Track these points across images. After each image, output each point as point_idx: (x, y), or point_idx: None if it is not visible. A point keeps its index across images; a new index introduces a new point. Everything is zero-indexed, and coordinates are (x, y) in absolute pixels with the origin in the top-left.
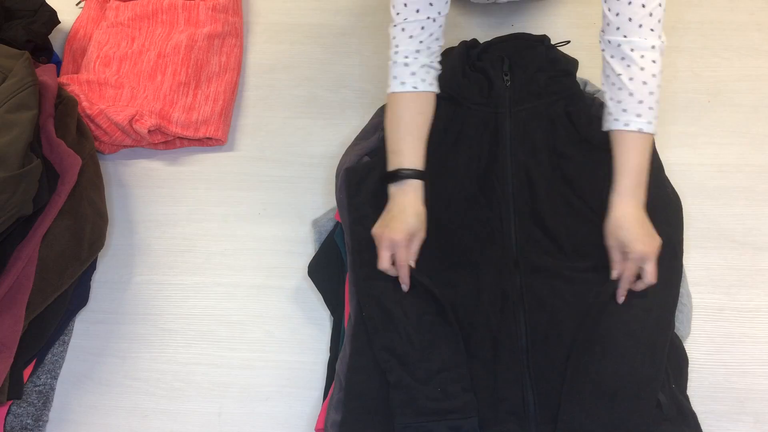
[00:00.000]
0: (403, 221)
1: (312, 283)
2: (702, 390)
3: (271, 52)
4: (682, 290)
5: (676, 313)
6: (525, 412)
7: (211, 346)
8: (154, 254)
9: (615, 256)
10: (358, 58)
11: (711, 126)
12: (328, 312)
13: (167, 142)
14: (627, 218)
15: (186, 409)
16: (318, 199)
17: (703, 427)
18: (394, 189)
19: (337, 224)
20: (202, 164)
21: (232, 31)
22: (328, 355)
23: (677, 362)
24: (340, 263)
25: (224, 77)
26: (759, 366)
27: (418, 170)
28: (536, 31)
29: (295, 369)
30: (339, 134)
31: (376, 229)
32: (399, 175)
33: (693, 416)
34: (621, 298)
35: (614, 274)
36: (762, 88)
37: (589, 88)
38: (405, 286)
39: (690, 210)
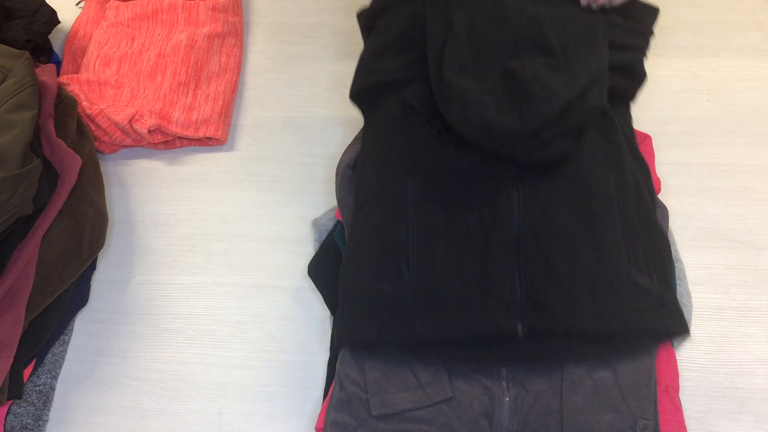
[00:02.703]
0: None
1: (312, 282)
2: (702, 389)
3: (271, 52)
4: (681, 290)
5: None
6: (513, 300)
7: (211, 345)
8: (154, 254)
9: None
10: (358, 58)
11: (711, 126)
12: (328, 312)
13: (167, 142)
14: None
15: (186, 408)
16: (318, 199)
17: (703, 426)
18: None
19: (338, 223)
20: (202, 164)
21: (232, 31)
22: (328, 354)
23: (659, 255)
24: (340, 263)
25: (224, 77)
26: (759, 366)
27: None
28: None
29: (295, 369)
30: (339, 134)
31: None
32: None
33: (676, 307)
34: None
35: None
36: (762, 88)
37: None
38: None
39: (690, 209)
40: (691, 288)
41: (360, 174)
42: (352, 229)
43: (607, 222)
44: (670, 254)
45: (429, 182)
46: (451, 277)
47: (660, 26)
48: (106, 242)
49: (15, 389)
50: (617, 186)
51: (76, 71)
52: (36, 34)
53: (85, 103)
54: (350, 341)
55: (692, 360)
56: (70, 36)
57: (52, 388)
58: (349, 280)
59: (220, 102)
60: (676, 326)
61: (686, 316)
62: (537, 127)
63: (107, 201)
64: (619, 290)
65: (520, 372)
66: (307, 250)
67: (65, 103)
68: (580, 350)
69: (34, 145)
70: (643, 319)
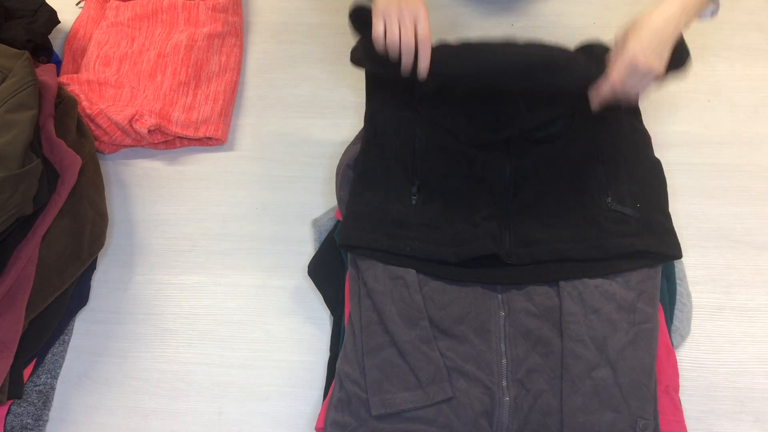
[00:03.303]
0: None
1: (312, 282)
2: (702, 389)
3: (271, 52)
4: (681, 289)
5: (676, 312)
6: (500, 237)
7: (211, 345)
8: (154, 254)
9: (615, 56)
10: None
11: (711, 125)
12: (328, 312)
13: (167, 141)
14: (652, 20)
15: (186, 408)
16: (318, 199)
17: (703, 426)
18: None
19: (338, 223)
20: (202, 164)
21: (232, 30)
22: (328, 354)
23: (647, 185)
24: (340, 262)
25: (224, 77)
26: (759, 365)
27: None
28: (536, 30)
29: (296, 368)
30: (339, 134)
31: (382, 3)
32: None
33: (664, 229)
34: (594, 103)
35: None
36: (762, 88)
37: None
38: (425, 66)
39: (690, 209)
40: (691, 288)
41: (372, 113)
42: (365, 155)
43: (590, 170)
44: (663, 183)
45: (433, 136)
46: (449, 212)
47: None
48: (106, 242)
49: (15, 389)
50: (608, 131)
51: (76, 71)
52: (36, 34)
53: (85, 103)
54: (353, 245)
55: (692, 360)
56: (70, 36)
57: (52, 388)
58: (360, 193)
59: (220, 102)
60: (663, 245)
61: (686, 316)
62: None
63: (107, 201)
64: (599, 220)
65: (521, 371)
66: (307, 250)
67: (65, 103)
68: (567, 271)
69: (34, 145)
70: (624, 242)
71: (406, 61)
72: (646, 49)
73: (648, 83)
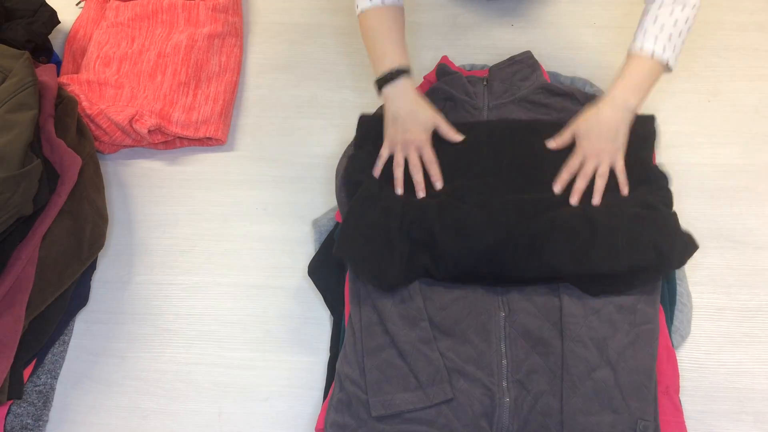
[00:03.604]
0: (421, 119)
1: (312, 283)
2: (702, 390)
3: (271, 52)
4: (681, 290)
5: (676, 312)
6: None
7: (211, 346)
8: (154, 254)
9: (575, 150)
10: (358, 58)
11: (711, 126)
12: (328, 312)
13: (167, 142)
14: (596, 115)
15: (186, 409)
16: (318, 199)
17: (703, 427)
18: (391, 91)
19: (337, 224)
20: (202, 164)
21: (232, 31)
22: (328, 354)
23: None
24: (340, 263)
25: (224, 77)
26: (759, 366)
27: (409, 68)
28: (536, 30)
29: (295, 369)
30: (339, 134)
31: (393, 137)
32: (395, 74)
33: (654, 173)
34: (573, 198)
35: (562, 180)
36: (762, 88)
37: (588, 89)
38: (439, 183)
39: (690, 210)
40: (691, 288)
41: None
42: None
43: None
44: (653, 135)
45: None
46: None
47: None
48: (106, 242)
49: (15, 389)
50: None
51: (76, 71)
52: (36, 34)
53: (85, 103)
54: (348, 255)
55: (692, 360)
56: (70, 36)
57: (52, 388)
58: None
59: (220, 102)
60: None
61: (686, 316)
62: None
63: (107, 201)
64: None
65: (521, 371)
66: (307, 250)
67: (65, 103)
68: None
69: (34, 145)
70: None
71: (418, 180)
72: (594, 133)
73: (605, 160)
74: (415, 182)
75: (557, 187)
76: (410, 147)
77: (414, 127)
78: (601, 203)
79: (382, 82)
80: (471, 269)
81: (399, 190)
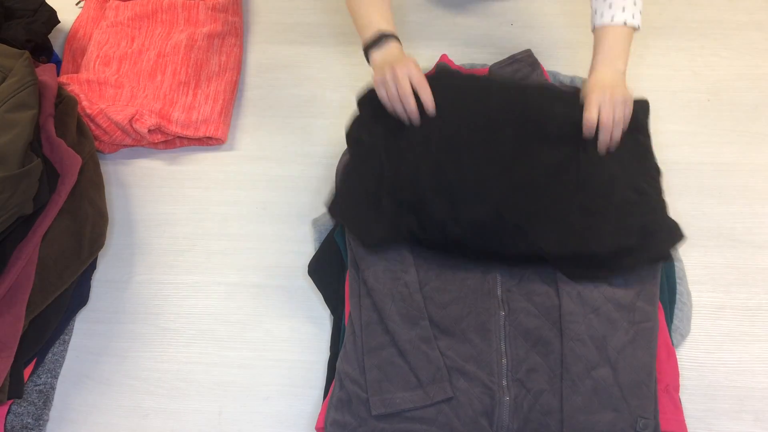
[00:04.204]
0: (406, 58)
1: (312, 282)
2: (702, 388)
3: (271, 52)
4: (681, 288)
5: (676, 311)
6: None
7: (211, 345)
8: (154, 254)
9: (592, 110)
10: (358, 58)
11: (710, 125)
12: (328, 311)
13: (167, 141)
14: (606, 77)
15: (186, 408)
16: (318, 199)
17: (703, 425)
18: (378, 54)
19: (337, 223)
20: (202, 164)
21: (231, 30)
22: (328, 354)
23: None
24: (340, 262)
25: (224, 77)
26: (759, 364)
27: (396, 35)
28: (536, 30)
29: (296, 368)
30: (339, 134)
31: (381, 68)
32: (382, 39)
33: (652, 162)
34: (602, 147)
35: (590, 118)
36: (761, 88)
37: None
38: (431, 108)
39: (689, 209)
40: (691, 287)
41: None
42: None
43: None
44: (658, 171)
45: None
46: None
47: (660, 26)
48: (106, 242)
49: (15, 389)
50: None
51: (76, 71)
52: (36, 33)
53: (85, 103)
54: (342, 218)
55: (692, 359)
56: (70, 36)
57: (53, 388)
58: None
59: (220, 102)
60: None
61: (686, 315)
62: None
63: (107, 201)
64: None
65: (521, 370)
66: (307, 250)
67: (65, 103)
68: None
69: (34, 144)
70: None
71: (410, 107)
72: (619, 86)
73: (627, 108)
74: (408, 110)
75: (587, 128)
76: (399, 73)
77: (400, 60)
78: (598, 177)
79: (369, 46)
80: (458, 238)
81: (400, 110)
